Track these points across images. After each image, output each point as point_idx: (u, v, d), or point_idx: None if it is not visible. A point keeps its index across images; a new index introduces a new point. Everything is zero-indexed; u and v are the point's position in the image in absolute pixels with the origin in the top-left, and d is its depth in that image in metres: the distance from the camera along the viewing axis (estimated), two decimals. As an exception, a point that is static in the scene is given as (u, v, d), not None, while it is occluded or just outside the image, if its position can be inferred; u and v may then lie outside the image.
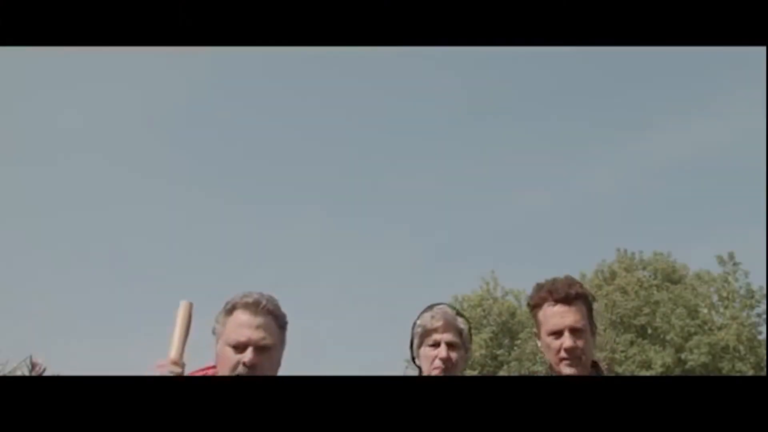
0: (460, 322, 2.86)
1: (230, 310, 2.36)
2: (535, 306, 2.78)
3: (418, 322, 2.87)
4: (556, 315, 2.68)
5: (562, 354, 2.64)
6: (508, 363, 25.69)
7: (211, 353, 2.36)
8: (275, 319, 2.35)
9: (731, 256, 25.07)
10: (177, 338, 2.33)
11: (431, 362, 2.75)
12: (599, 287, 24.95)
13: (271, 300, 2.36)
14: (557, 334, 2.66)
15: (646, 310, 24.80)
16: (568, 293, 2.69)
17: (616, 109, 38.16)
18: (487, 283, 27.57)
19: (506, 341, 26.77)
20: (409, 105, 39.42)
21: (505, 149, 37.46)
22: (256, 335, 2.27)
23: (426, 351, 2.79)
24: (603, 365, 2.83)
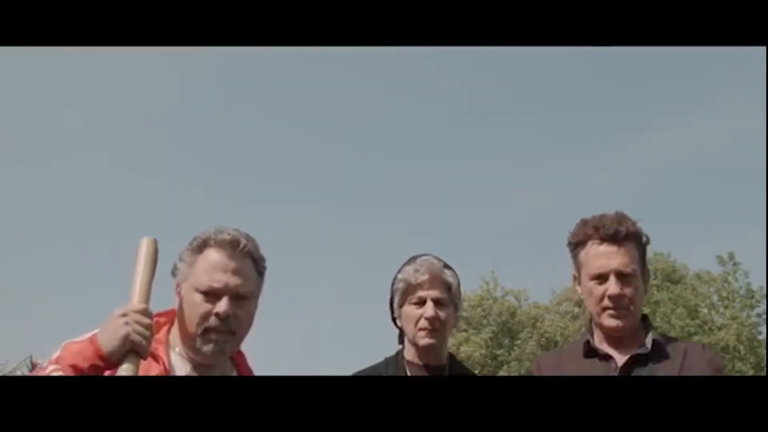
0: (448, 276, 2.49)
1: (200, 246, 1.97)
2: (577, 244, 2.39)
3: (400, 276, 2.50)
4: (602, 255, 2.29)
5: (606, 302, 2.27)
6: (508, 363, 25.67)
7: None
8: (255, 264, 2.00)
9: (731, 256, 25.05)
10: (140, 281, 1.87)
11: (416, 323, 2.43)
12: (599, 287, 24.92)
13: (251, 240, 2.00)
14: (601, 278, 2.28)
15: (647, 310, 24.46)
16: (618, 230, 2.29)
17: (616, 109, 38.22)
18: (487, 283, 27.55)
19: (506, 341, 26.74)
20: (409, 105, 39.45)
21: (505, 149, 37.49)
22: (234, 281, 1.92)
23: (409, 310, 2.45)
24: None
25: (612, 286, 2.25)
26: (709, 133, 34.52)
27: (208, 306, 1.91)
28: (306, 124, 40.73)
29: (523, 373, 23.21)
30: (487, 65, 39.75)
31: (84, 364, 1.75)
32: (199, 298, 1.91)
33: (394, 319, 2.57)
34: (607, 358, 2.32)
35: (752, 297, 24.75)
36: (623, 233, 2.30)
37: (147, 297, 1.87)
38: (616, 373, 2.27)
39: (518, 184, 39.08)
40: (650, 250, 2.50)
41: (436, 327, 2.42)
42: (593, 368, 2.32)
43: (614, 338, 2.33)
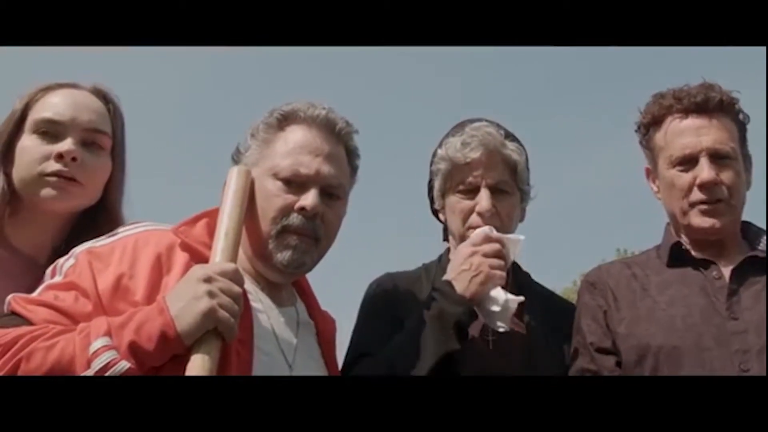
0: (512, 150, 1.84)
1: (282, 121, 1.58)
2: (650, 124, 1.84)
3: (441, 152, 1.83)
4: (688, 132, 1.74)
5: (696, 194, 1.71)
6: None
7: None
8: (348, 156, 1.61)
9: (731, 255, 24.98)
10: (226, 230, 1.35)
11: (465, 219, 1.78)
12: (599, 287, 24.94)
13: (349, 124, 1.61)
14: (688, 161, 1.73)
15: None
16: (709, 97, 1.77)
17: (614, 109, 38.37)
18: (486, 283, 27.42)
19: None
20: (409, 105, 39.57)
21: (504, 149, 37.63)
22: (326, 170, 1.51)
23: (456, 201, 1.80)
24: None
25: (704, 171, 1.69)
26: (709, 133, 34.60)
27: (289, 198, 1.49)
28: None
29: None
30: (487, 65, 39.84)
31: (148, 345, 1.27)
32: (277, 187, 1.49)
33: (435, 212, 1.92)
34: (705, 263, 1.77)
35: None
36: (716, 100, 1.78)
37: (236, 253, 1.36)
38: (720, 284, 1.74)
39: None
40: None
41: (495, 225, 1.78)
42: (683, 278, 1.77)
43: (708, 244, 1.78)
